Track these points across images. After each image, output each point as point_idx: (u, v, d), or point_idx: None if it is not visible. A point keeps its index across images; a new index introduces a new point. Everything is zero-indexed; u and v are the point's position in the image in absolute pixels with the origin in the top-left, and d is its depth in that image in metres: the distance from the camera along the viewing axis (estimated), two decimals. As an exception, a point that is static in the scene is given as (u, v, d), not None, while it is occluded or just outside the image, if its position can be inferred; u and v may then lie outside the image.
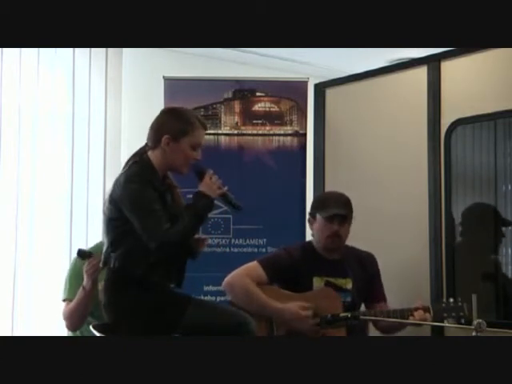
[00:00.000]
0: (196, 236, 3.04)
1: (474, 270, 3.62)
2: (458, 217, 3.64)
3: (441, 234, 3.61)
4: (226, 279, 3.31)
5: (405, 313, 3.20)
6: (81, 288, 3.28)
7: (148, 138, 2.98)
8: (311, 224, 3.45)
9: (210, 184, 2.93)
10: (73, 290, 3.37)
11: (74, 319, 3.35)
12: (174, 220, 2.87)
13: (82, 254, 3.28)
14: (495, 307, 3.54)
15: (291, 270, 3.33)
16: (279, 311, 3.20)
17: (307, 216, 3.54)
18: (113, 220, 2.89)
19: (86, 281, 3.26)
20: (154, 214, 2.81)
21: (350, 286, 3.37)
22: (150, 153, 2.95)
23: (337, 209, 3.33)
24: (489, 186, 3.65)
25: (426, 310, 3.20)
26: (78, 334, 3.42)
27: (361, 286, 3.39)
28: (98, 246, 3.22)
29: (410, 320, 3.16)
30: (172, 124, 2.93)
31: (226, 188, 2.97)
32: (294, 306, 3.19)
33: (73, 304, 3.33)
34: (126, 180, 2.87)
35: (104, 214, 2.94)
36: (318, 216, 3.38)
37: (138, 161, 2.92)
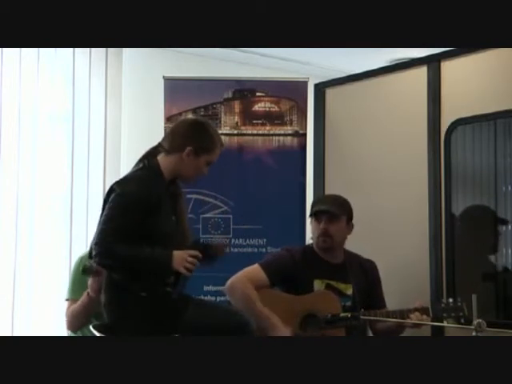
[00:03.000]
0: (215, 242, 3.08)
1: (473, 270, 3.62)
2: (457, 217, 3.64)
3: (441, 233, 3.61)
4: (228, 282, 3.31)
5: (404, 313, 3.20)
6: (85, 293, 3.28)
7: (167, 142, 2.97)
8: (311, 226, 3.48)
9: (184, 259, 2.82)
10: (76, 290, 3.36)
11: (76, 321, 3.33)
12: (173, 226, 2.89)
13: (88, 271, 3.24)
14: (495, 307, 3.54)
15: (292, 272, 3.33)
16: (271, 326, 3.17)
17: (307, 217, 3.55)
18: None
19: (90, 288, 3.25)
20: (117, 224, 2.78)
21: (350, 291, 3.37)
22: (161, 156, 2.95)
23: (321, 206, 3.37)
24: (489, 186, 3.65)
25: (424, 311, 3.20)
26: (78, 333, 3.41)
27: (361, 292, 3.38)
28: None
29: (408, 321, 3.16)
30: (199, 139, 2.94)
31: (189, 273, 2.84)
32: (285, 332, 3.17)
33: (77, 306, 3.31)
34: (126, 179, 2.90)
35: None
36: (312, 218, 3.42)
37: (146, 165, 2.93)
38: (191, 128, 3.00)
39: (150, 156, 2.96)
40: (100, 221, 2.83)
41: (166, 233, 2.87)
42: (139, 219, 2.80)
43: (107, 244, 2.77)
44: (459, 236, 3.64)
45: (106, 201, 2.89)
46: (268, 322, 3.19)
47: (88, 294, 3.25)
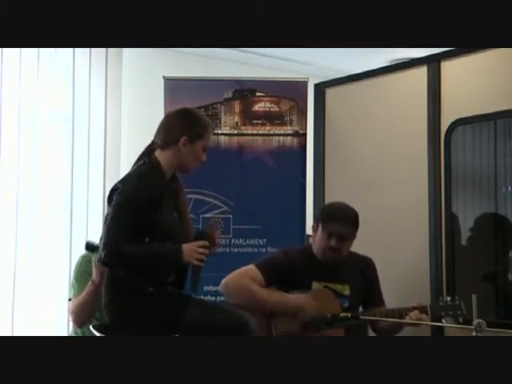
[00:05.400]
0: (206, 230, 3.09)
1: (474, 270, 3.62)
2: (463, 219, 3.64)
3: (441, 233, 3.60)
4: (224, 281, 3.29)
5: (402, 312, 3.20)
6: (90, 282, 3.27)
7: (159, 137, 2.98)
8: (314, 231, 3.42)
9: (194, 250, 2.85)
10: (79, 290, 3.36)
11: (82, 313, 3.31)
12: (175, 221, 2.90)
13: (90, 247, 3.25)
14: (495, 307, 3.54)
15: (289, 273, 3.33)
16: (282, 302, 3.20)
17: (307, 221, 3.52)
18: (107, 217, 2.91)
19: (94, 274, 3.24)
20: (124, 223, 2.79)
21: (347, 291, 3.37)
22: (158, 152, 2.96)
23: (338, 226, 3.30)
24: (489, 186, 3.65)
25: (422, 309, 3.20)
26: (79, 333, 3.41)
27: (359, 291, 3.38)
28: None
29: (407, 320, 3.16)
30: (190, 126, 2.96)
31: (201, 264, 2.88)
32: (300, 297, 3.20)
33: (81, 297, 3.29)
34: (127, 177, 2.91)
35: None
36: (320, 228, 3.36)
37: (147, 162, 2.94)
38: (180, 118, 3.02)
39: (148, 154, 2.97)
40: (106, 220, 2.84)
41: (169, 228, 2.88)
42: (143, 216, 2.81)
43: (115, 244, 2.78)
44: (468, 238, 3.65)
45: (109, 200, 2.89)
46: (274, 300, 3.20)
47: (93, 282, 3.25)
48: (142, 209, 2.81)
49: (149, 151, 2.98)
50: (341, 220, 3.32)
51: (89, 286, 3.28)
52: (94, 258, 3.21)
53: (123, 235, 2.78)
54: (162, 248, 2.83)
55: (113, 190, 2.90)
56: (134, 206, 2.81)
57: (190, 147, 2.95)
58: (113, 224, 2.81)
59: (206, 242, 2.89)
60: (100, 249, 2.81)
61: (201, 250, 2.86)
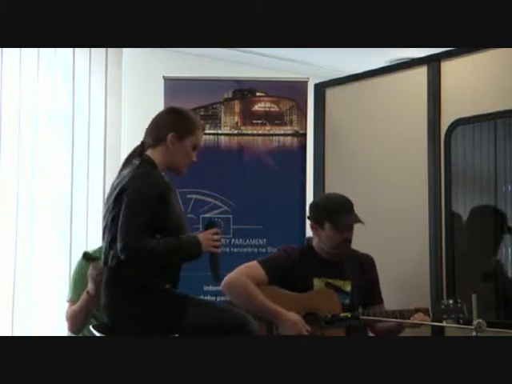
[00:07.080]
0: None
1: (474, 270, 3.62)
2: (460, 217, 3.64)
3: (441, 233, 3.61)
4: (226, 279, 3.29)
5: (404, 314, 3.20)
6: (85, 292, 3.28)
7: (149, 136, 2.98)
8: (316, 231, 3.38)
9: (210, 239, 2.87)
10: (77, 291, 3.36)
11: (77, 322, 3.33)
12: (181, 216, 2.92)
13: (88, 257, 3.27)
14: (495, 307, 3.54)
15: (291, 270, 3.33)
16: (278, 315, 3.20)
17: (307, 221, 3.50)
18: (115, 217, 2.86)
19: (89, 285, 3.26)
20: (141, 220, 2.76)
21: (349, 288, 3.37)
22: (149, 151, 2.95)
23: (351, 218, 3.31)
24: (489, 186, 3.65)
25: (425, 312, 3.20)
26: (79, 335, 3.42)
27: (360, 288, 3.38)
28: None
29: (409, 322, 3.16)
30: (178, 123, 2.95)
31: (219, 250, 2.91)
32: (293, 316, 3.19)
33: (76, 307, 3.32)
34: (134, 177, 2.84)
35: (108, 211, 2.91)
36: (328, 225, 3.32)
37: (145, 160, 2.91)
38: (168, 115, 3.01)
39: (139, 154, 2.95)
40: (121, 220, 2.77)
41: (177, 224, 2.88)
42: (156, 212, 2.79)
43: (135, 243, 2.74)
44: (462, 236, 3.64)
45: (115, 202, 2.83)
46: (273, 311, 3.19)
47: (88, 292, 3.26)
48: (154, 206, 2.79)
49: (140, 151, 2.96)
50: (351, 209, 3.33)
51: (84, 296, 3.29)
52: (90, 269, 3.23)
53: (141, 233, 2.75)
54: (181, 241, 2.82)
55: (121, 191, 2.82)
56: (147, 203, 2.78)
57: (178, 144, 2.92)
58: (129, 223, 2.76)
59: (218, 230, 2.92)
60: (118, 250, 2.75)
61: (216, 236, 2.89)
